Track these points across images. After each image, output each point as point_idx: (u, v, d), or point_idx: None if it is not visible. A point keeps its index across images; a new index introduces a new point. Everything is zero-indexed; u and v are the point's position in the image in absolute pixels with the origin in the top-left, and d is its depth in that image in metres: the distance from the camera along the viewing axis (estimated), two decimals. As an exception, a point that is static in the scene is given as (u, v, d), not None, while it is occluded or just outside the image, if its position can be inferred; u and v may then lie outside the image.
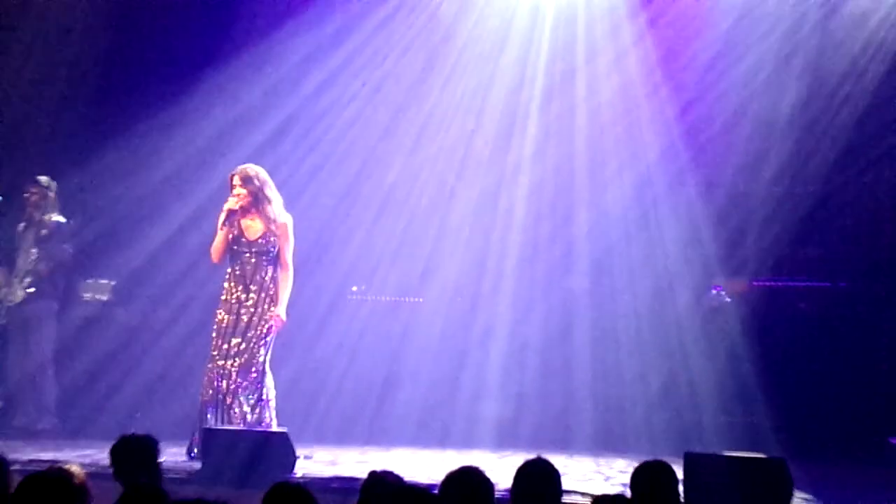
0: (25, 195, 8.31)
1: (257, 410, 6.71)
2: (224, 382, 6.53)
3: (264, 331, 6.56)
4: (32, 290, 8.35)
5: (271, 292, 6.60)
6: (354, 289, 8.86)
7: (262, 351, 6.69)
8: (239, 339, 6.65)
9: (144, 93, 9.25)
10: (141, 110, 9.03)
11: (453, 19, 8.53)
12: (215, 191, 7.61)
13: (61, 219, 8.35)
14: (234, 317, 6.55)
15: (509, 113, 8.52)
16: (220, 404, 6.67)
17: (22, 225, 8.36)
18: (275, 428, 6.78)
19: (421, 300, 8.65)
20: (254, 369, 6.62)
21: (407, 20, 8.54)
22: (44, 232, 8.33)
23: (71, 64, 9.46)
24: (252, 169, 6.75)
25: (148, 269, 8.54)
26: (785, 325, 8.40)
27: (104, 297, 9.12)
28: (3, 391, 8.52)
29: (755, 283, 8.28)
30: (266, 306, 6.63)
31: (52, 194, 8.33)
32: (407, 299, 8.71)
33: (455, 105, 8.61)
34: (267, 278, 6.58)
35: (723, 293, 8.14)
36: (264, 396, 6.73)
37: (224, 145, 8.76)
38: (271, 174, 6.94)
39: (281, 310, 6.58)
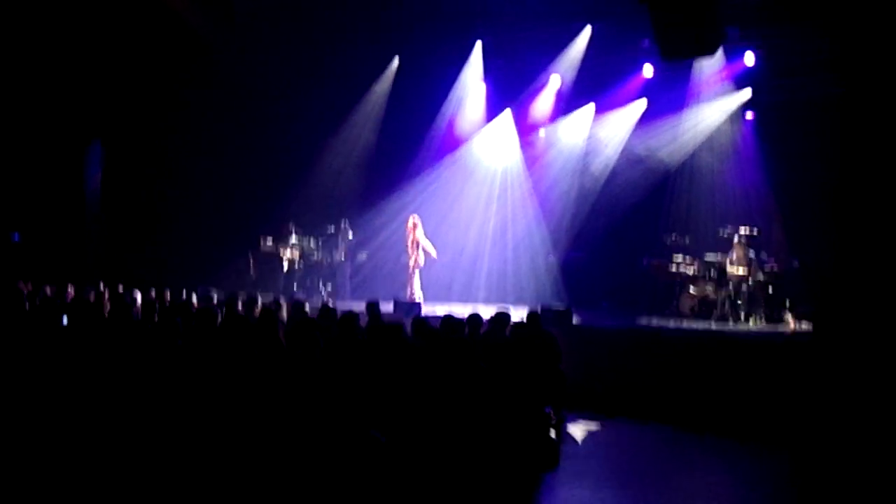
0: (341, 227, 19.34)
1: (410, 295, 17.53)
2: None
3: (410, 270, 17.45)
4: (344, 256, 19.93)
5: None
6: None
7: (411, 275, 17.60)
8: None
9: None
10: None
11: (470, 172, 21.07)
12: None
13: (351, 234, 20.06)
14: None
15: (486, 199, 21.11)
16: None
17: (340, 236, 19.87)
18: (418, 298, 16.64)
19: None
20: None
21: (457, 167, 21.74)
22: (349, 239, 19.57)
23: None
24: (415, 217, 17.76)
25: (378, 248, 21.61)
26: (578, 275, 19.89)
27: (363, 258, 20.16)
28: (331, 283, 20.38)
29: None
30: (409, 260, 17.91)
31: (348, 226, 19.72)
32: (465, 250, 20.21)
33: (477, 194, 21.18)
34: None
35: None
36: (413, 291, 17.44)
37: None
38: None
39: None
